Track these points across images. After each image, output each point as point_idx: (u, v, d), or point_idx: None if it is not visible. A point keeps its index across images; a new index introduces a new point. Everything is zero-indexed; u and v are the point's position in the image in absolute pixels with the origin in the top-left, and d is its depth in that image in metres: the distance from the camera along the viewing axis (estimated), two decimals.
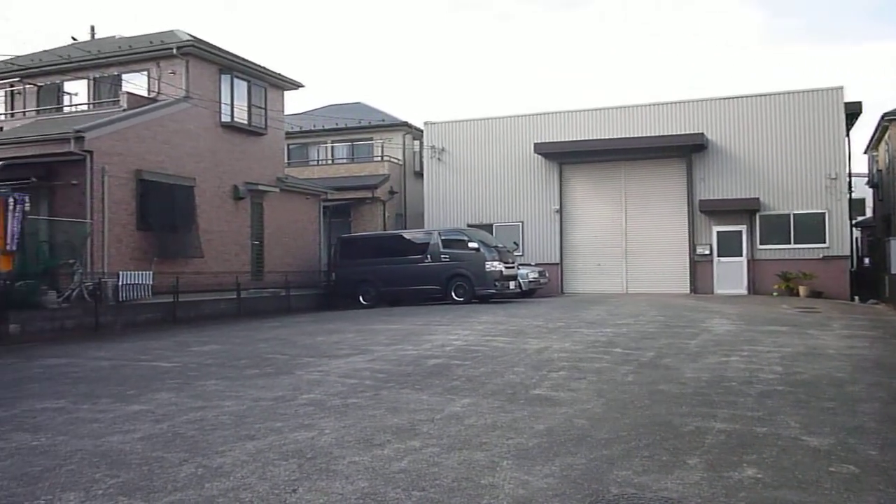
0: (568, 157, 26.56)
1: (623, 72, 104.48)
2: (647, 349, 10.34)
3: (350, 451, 5.23)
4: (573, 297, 24.17)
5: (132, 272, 17.48)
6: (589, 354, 9.92)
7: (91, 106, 21.21)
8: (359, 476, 4.64)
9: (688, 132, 24.94)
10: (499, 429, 5.83)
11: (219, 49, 21.12)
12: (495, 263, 21.19)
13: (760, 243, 24.23)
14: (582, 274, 26.46)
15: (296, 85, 24.24)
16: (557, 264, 26.44)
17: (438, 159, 28.49)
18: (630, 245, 25.86)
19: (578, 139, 26.28)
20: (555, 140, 26.53)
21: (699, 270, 24.78)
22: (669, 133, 25.19)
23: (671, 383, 7.73)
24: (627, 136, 25.68)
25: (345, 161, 32.44)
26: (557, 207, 26.70)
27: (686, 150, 24.98)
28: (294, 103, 49.36)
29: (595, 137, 26.08)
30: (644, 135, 25.52)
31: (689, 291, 24.59)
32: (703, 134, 24.71)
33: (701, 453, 5.07)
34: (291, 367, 9.41)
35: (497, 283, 21.09)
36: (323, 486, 4.45)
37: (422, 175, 29.69)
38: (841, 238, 23.52)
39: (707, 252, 24.71)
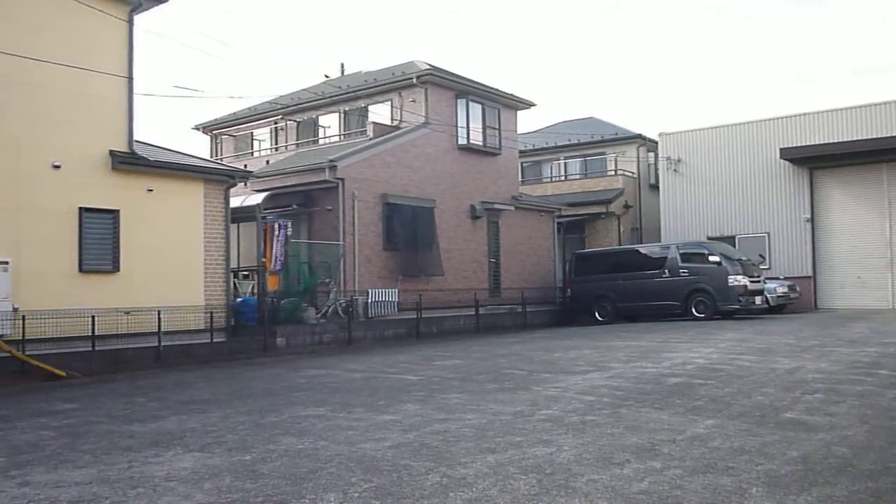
0: (819, 161, 24.53)
1: (875, 65, 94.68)
2: None
3: (589, 468, 5.21)
4: (829, 312, 22.24)
5: (379, 290, 18.70)
6: (849, 376, 9.09)
7: (342, 137, 23.03)
8: (598, 495, 4.61)
9: None
10: (747, 453, 5.51)
11: (454, 75, 22.08)
12: (739, 277, 20.08)
13: None
14: (839, 288, 24.26)
15: (528, 104, 24.68)
16: (810, 277, 24.46)
17: (675, 170, 27.57)
18: None
19: (830, 142, 24.20)
20: (803, 144, 24.64)
21: None
22: None
23: None
24: (890, 135, 23.24)
25: (578, 176, 32.40)
26: (808, 216, 24.74)
27: None
28: (527, 122, 50.22)
29: (850, 139, 23.87)
30: None
31: None
32: None
33: None
34: (529, 382, 9.54)
35: (741, 298, 19.96)
36: (562, 503, 4.47)
37: (657, 188, 28.90)
38: None
39: None
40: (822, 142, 24.38)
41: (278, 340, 16.10)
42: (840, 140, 24.04)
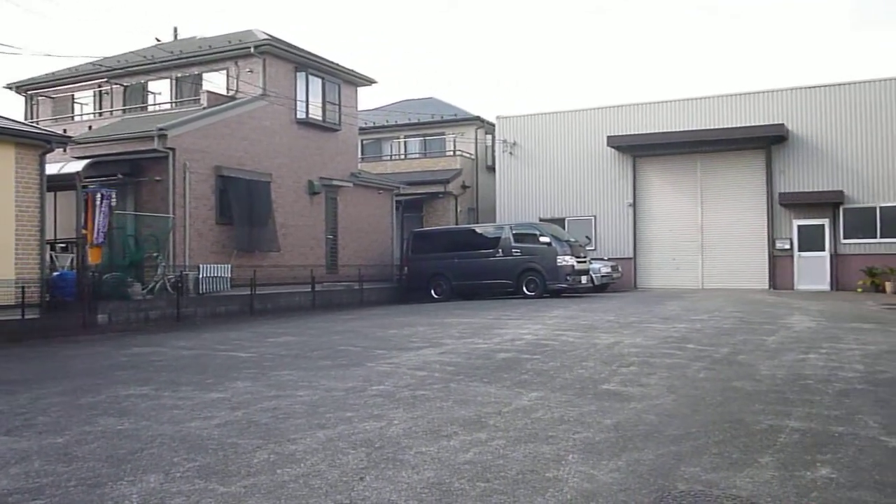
0: (642, 149, 26.16)
1: (701, 61, 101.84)
2: (722, 345, 10.14)
3: (418, 441, 5.32)
4: (647, 292, 23.82)
5: (212, 265, 18.08)
6: (661, 350, 9.79)
7: (173, 105, 21.95)
8: (426, 466, 4.71)
9: (767, 123, 24.24)
10: (566, 423, 5.82)
11: (294, 47, 21.58)
12: (567, 258, 21.07)
13: (844, 237, 23.39)
14: (656, 269, 26.04)
15: (369, 81, 24.55)
16: (631, 259, 26.09)
17: (510, 153, 28.44)
18: (706, 239, 25.32)
19: (652, 132, 25.84)
20: (628, 133, 26.16)
21: (779, 265, 24.09)
22: (748, 124, 24.53)
23: (745, 380, 7.57)
24: (704, 128, 25.13)
25: (417, 156, 32.71)
26: (631, 201, 26.33)
27: (765, 142, 24.31)
28: (367, 99, 50.02)
29: (670, 130, 25.59)
30: (721, 126, 24.92)
31: (767, 287, 23.94)
32: (783, 125, 23.98)
33: (773, 452, 4.96)
34: (363, 358, 9.58)
35: (569, 278, 20.97)
36: (390, 475, 4.54)
37: (494, 169, 29.71)
38: None
39: (787, 247, 23.99)
40: (644, 132, 25.97)
41: (100, 317, 15.20)
42: (661, 131, 25.70)
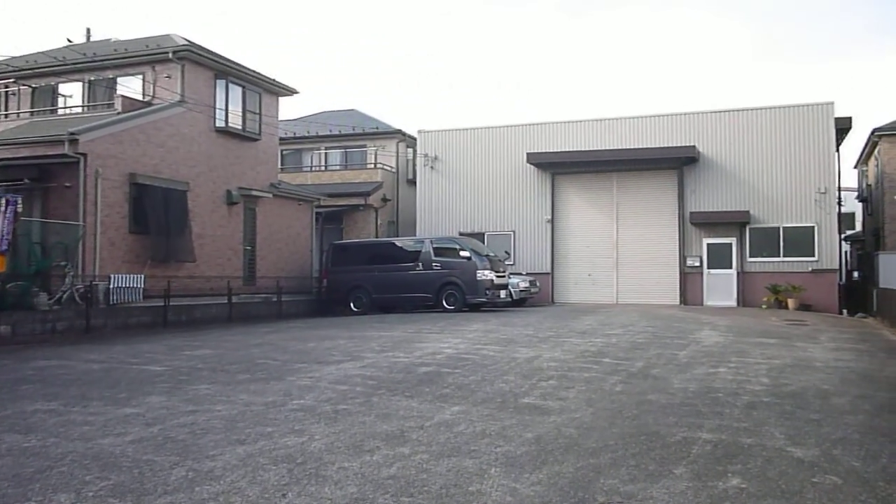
0: (560, 167, 26.71)
1: (616, 84, 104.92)
2: (637, 359, 10.42)
3: (340, 456, 5.28)
4: (564, 306, 24.25)
5: (124, 275, 17.50)
6: (579, 364, 9.99)
7: (86, 108, 21.21)
8: (348, 481, 4.68)
9: (680, 145, 25.13)
10: (488, 436, 5.88)
11: (214, 54, 21.18)
12: (486, 272, 21.27)
13: (750, 256, 24.41)
14: (573, 284, 26.56)
15: (290, 91, 24.30)
16: (549, 274, 26.54)
17: (431, 167, 28.58)
18: (621, 256, 25.99)
19: (571, 150, 26.43)
20: (547, 150, 26.68)
21: (689, 282, 24.93)
22: (661, 145, 25.38)
23: (660, 393, 7.80)
24: (620, 147, 25.87)
25: (338, 168, 32.50)
26: (549, 217, 26.82)
27: (678, 163, 25.16)
28: (289, 109, 49.50)
29: (588, 148, 26.23)
30: (636, 146, 25.71)
31: (678, 303, 24.72)
32: (694, 146, 24.90)
33: (687, 463, 5.13)
34: (283, 372, 9.44)
35: (488, 292, 21.17)
36: (312, 491, 4.49)
37: (415, 183, 29.78)
38: (830, 251, 23.71)
39: (697, 264, 24.86)
40: (563, 150, 26.53)
41: (2, 328, 14.51)
42: (579, 149, 26.32)
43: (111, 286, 17.11)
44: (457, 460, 5.17)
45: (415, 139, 30.07)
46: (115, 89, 20.74)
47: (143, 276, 17.93)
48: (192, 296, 19.39)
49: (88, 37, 24.96)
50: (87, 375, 9.57)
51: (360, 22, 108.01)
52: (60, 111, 21.89)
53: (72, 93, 21.95)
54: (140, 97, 20.27)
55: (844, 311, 23.35)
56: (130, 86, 20.64)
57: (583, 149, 26.25)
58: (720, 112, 25.31)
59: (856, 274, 32.55)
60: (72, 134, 16.81)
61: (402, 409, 6.96)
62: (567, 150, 26.47)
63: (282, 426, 6.25)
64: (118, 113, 18.98)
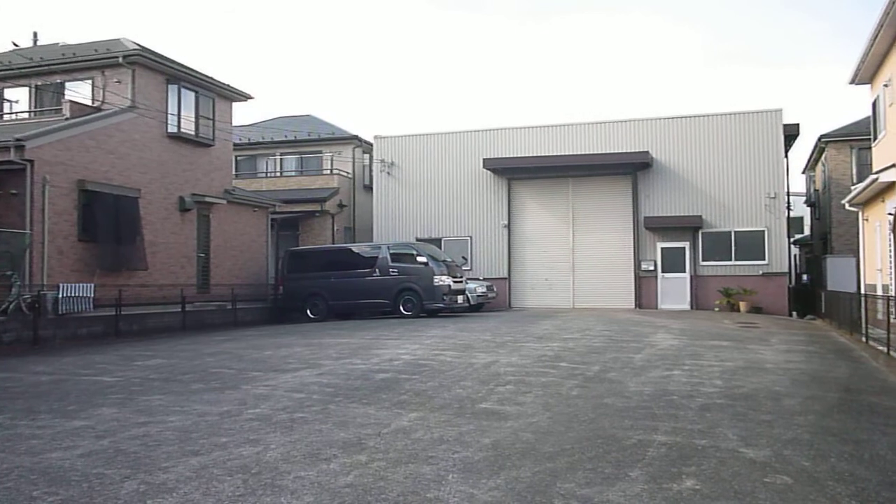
0: (516, 172, 26.85)
1: (572, 90, 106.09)
2: (593, 363, 10.50)
3: (296, 466, 5.22)
4: (521, 311, 24.37)
5: (73, 284, 17.09)
6: (536, 369, 10.04)
7: (32, 114, 20.72)
8: (305, 491, 4.63)
9: (634, 150, 25.46)
10: (446, 443, 5.87)
11: (166, 58, 20.86)
12: (444, 278, 21.29)
13: (703, 260, 24.80)
14: (530, 289, 26.70)
15: (245, 96, 24.04)
16: (506, 279, 26.65)
17: (388, 173, 28.52)
18: (577, 260, 26.21)
19: (527, 155, 26.59)
20: (504, 156, 26.80)
21: (644, 286, 25.24)
22: (616, 151, 25.69)
23: (616, 397, 7.87)
24: (575, 153, 26.10)
25: (294, 174, 32.25)
26: (506, 222, 26.94)
27: (632, 168, 25.48)
28: (243, 115, 48.99)
29: (543, 154, 26.41)
30: (591, 152, 25.97)
31: (634, 306, 25.00)
32: (648, 152, 25.25)
33: (643, 465, 5.18)
34: (238, 381, 9.31)
35: (445, 298, 21.18)
36: (268, 502, 4.43)
37: (371, 189, 29.68)
38: (780, 255, 24.22)
39: (651, 268, 25.18)
40: (520, 155, 26.69)
41: None
42: (535, 155, 26.49)
43: (60, 296, 16.70)
44: (414, 467, 5.15)
45: (371, 145, 29.98)
46: (64, 94, 20.32)
47: (93, 285, 17.55)
48: (145, 304, 19.04)
49: (35, 41, 24.42)
50: (35, 388, 9.33)
51: (316, 26, 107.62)
52: (6, 117, 21.36)
53: (18, 98, 21.45)
54: (89, 102, 19.86)
55: (794, 313, 23.88)
56: (79, 91, 20.22)
57: (539, 154, 26.43)
58: (673, 118, 25.71)
59: (804, 277, 33.34)
60: (18, 140, 16.39)
61: (360, 417, 6.92)
62: (523, 155, 26.62)
63: (237, 436, 6.16)
64: (66, 119, 18.58)
